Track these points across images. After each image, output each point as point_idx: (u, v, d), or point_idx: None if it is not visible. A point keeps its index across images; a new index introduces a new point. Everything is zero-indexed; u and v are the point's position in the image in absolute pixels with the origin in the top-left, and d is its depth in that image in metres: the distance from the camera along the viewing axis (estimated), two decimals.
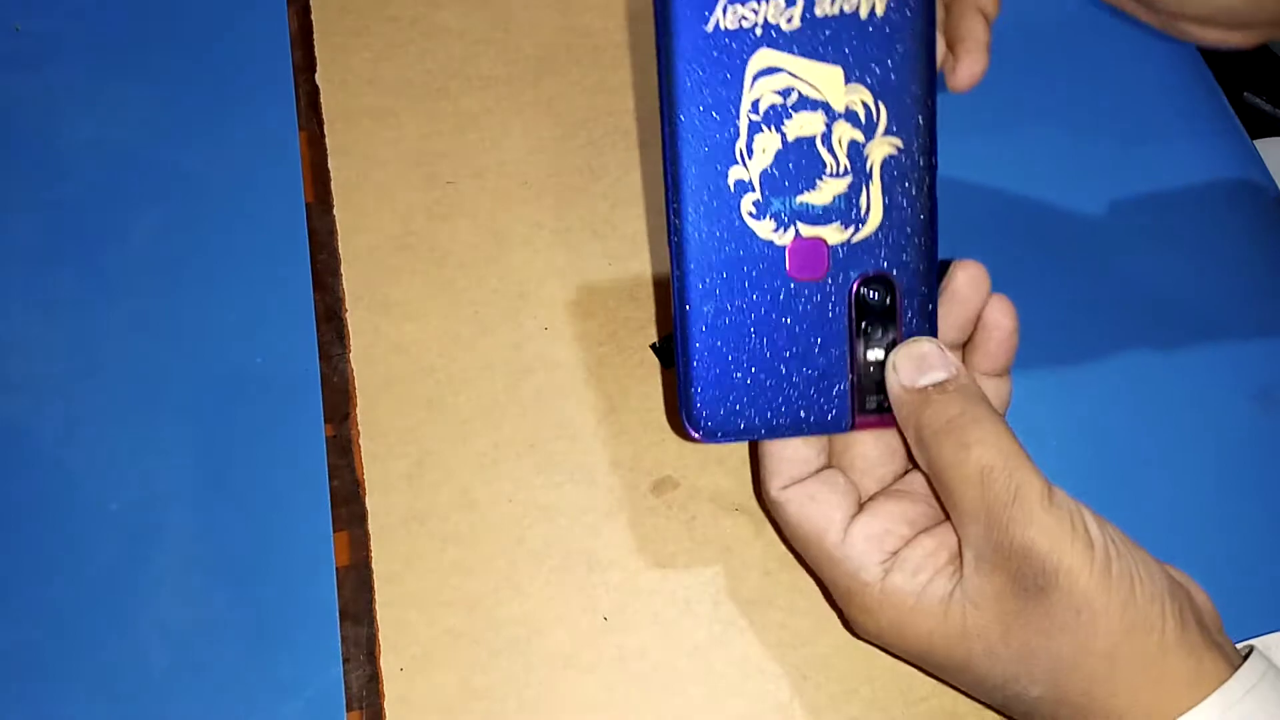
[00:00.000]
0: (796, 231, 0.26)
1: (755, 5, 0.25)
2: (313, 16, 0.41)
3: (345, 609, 0.32)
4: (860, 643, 0.31)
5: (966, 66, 0.30)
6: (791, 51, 0.25)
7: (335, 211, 0.38)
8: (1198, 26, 0.33)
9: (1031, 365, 0.36)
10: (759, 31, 0.25)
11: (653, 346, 0.36)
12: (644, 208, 0.38)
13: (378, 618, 0.32)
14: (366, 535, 0.33)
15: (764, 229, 0.26)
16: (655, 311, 0.36)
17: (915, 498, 0.28)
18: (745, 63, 0.25)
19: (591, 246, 0.37)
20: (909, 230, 0.26)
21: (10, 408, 0.35)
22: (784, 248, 0.26)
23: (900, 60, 0.25)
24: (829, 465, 0.29)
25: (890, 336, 0.27)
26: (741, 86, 0.25)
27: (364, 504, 0.33)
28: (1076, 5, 0.43)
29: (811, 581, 0.32)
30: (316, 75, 0.40)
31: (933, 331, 0.27)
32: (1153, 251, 0.38)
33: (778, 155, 0.26)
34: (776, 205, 0.26)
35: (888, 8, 0.25)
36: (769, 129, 0.26)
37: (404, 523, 0.33)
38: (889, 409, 0.27)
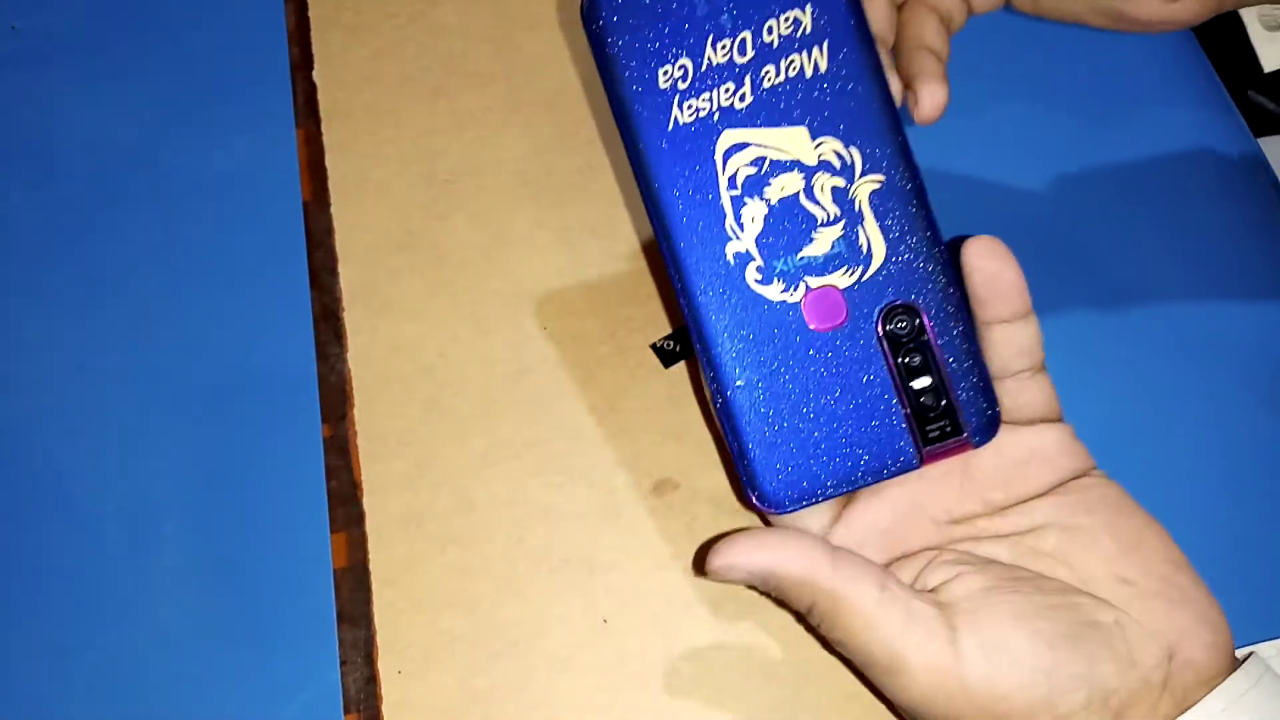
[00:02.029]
0: (806, 286, 0.27)
1: (708, 95, 0.26)
2: (310, 13, 0.41)
3: (343, 611, 0.32)
4: None
5: (927, 98, 0.30)
6: (752, 125, 0.26)
7: (332, 210, 0.37)
8: (1143, 7, 0.32)
9: None
10: (717, 117, 0.26)
11: (653, 346, 0.35)
12: (643, 207, 0.38)
13: (375, 620, 0.31)
14: (364, 536, 0.33)
15: (774, 292, 0.27)
16: (655, 311, 0.36)
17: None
18: (713, 147, 0.26)
19: (591, 246, 0.37)
20: (916, 252, 0.27)
21: (6, 407, 0.35)
22: (799, 304, 0.27)
23: (857, 103, 0.26)
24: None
25: (931, 360, 0.27)
26: (715, 169, 0.26)
27: (361, 505, 0.33)
28: None
29: None
30: (314, 72, 0.40)
31: (970, 336, 0.27)
32: (1157, 251, 0.38)
33: (767, 220, 0.27)
34: (780, 266, 0.27)
35: (830, 62, 0.26)
36: (752, 199, 0.27)
37: (402, 524, 0.33)
38: (953, 433, 0.27)
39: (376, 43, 0.41)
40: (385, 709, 0.30)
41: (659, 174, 0.27)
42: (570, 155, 0.39)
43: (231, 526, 0.33)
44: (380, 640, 0.31)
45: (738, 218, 0.27)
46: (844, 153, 0.26)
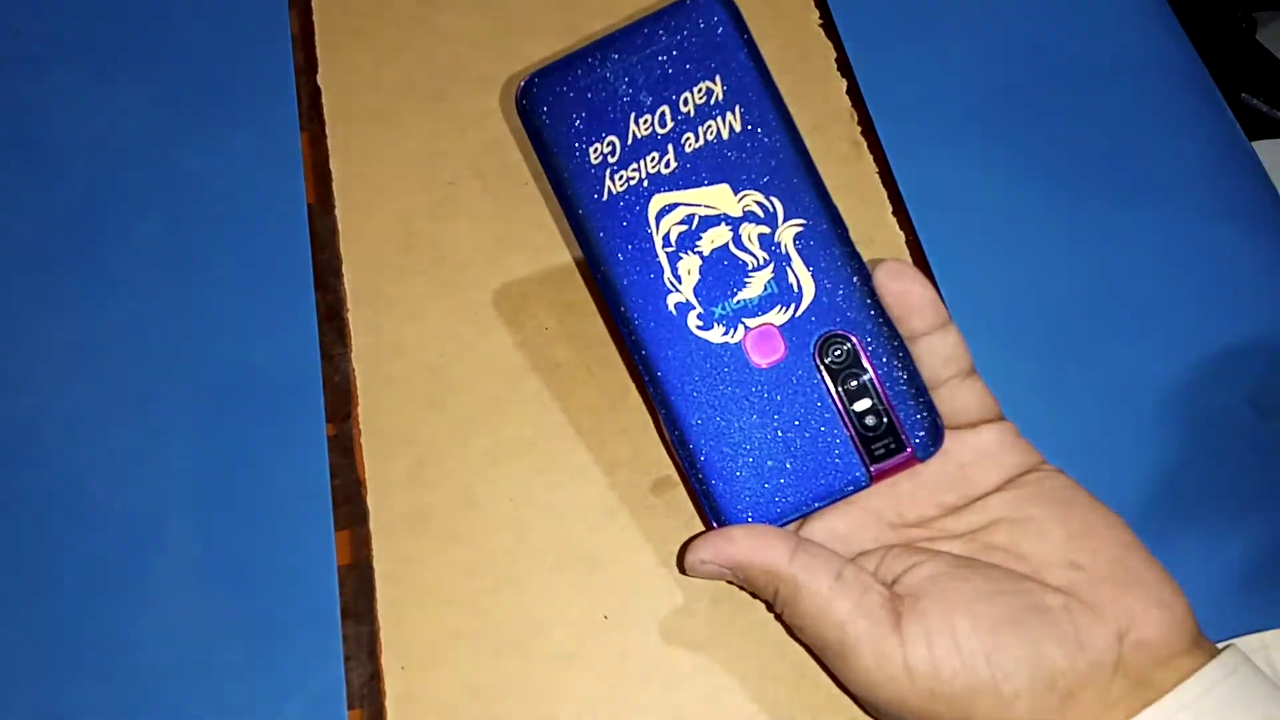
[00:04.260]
0: (745, 326, 0.29)
1: (635, 164, 0.29)
2: (314, 17, 0.42)
3: (347, 608, 0.32)
4: None
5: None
6: (679, 188, 0.29)
7: (337, 212, 0.38)
8: None
9: (1029, 368, 0.36)
10: (646, 183, 0.29)
11: None
12: None
13: (379, 616, 0.32)
14: (368, 534, 0.33)
15: (716, 335, 0.29)
16: None
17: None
18: (645, 211, 0.29)
19: None
20: (843, 285, 0.29)
21: (12, 408, 0.35)
22: (740, 344, 0.29)
23: (772, 157, 0.29)
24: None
25: (869, 383, 0.28)
26: (649, 230, 0.29)
27: (365, 503, 0.33)
28: (1069, 9, 0.43)
29: None
30: (318, 76, 0.40)
31: (904, 355, 0.28)
32: (1151, 254, 0.38)
33: (702, 271, 0.29)
34: (719, 312, 0.29)
35: (743, 123, 0.29)
36: (687, 253, 0.29)
37: (405, 522, 0.33)
38: (897, 449, 0.28)
39: (380, 47, 0.41)
40: (389, 704, 0.31)
41: (599, 240, 0.29)
42: None
43: (237, 524, 0.33)
44: (384, 636, 0.32)
45: (675, 271, 0.29)
46: (766, 203, 0.29)
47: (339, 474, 0.34)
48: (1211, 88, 0.43)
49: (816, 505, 0.28)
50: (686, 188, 0.29)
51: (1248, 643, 0.31)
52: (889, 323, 0.28)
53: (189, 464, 0.34)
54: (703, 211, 0.29)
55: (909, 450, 0.28)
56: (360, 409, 0.35)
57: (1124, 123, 0.41)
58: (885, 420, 0.28)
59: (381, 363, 0.35)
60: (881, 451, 0.28)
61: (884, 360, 0.28)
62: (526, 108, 0.29)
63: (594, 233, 0.29)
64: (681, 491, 0.34)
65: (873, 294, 0.28)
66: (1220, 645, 0.26)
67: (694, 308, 0.29)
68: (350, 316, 0.36)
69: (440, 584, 0.32)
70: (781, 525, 0.28)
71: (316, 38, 0.41)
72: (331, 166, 0.39)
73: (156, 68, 0.41)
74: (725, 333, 0.29)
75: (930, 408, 0.28)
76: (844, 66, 0.41)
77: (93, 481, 0.34)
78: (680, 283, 0.29)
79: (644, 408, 0.35)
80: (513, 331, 0.36)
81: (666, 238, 0.29)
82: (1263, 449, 0.35)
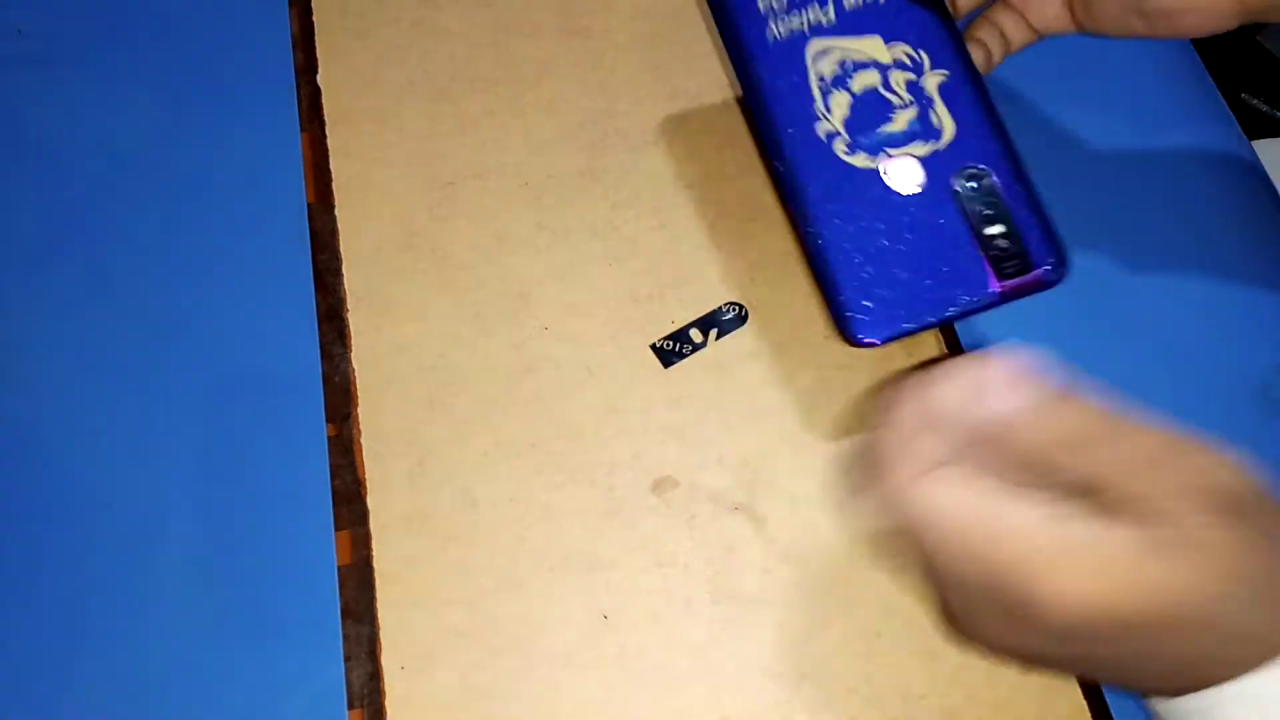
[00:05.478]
0: (887, 155, 0.31)
1: (798, 14, 0.33)
2: (314, 18, 0.42)
3: (347, 607, 0.32)
4: (859, 642, 0.31)
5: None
6: (836, 35, 0.32)
7: (337, 212, 0.38)
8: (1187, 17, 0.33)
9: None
10: (807, 29, 0.32)
11: (653, 346, 0.36)
12: (642, 209, 0.38)
13: (379, 616, 0.32)
14: (368, 534, 0.33)
15: (860, 161, 0.31)
16: (655, 311, 0.36)
17: None
18: (803, 51, 0.32)
19: (591, 246, 0.37)
20: (980, 127, 0.31)
21: (13, 407, 0.35)
22: (881, 170, 0.31)
23: (923, 17, 0.32)
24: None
25: (1003, 210, 0.31)
26: (806, 69, 0.32)
27: (365, 503, 0.33)
28: None
29: (811, 580, 0.32)
30: (318, 76, 0.40)
31: (1034, 191, 0.31)
32: (1151, 253, 0.38)
33: (851, 106, 0.32)
34: (864, 141, 0.31)
35: None
36: (838, 90, 0.32)
37: (405, 522, 0.33)
38: (1025, 270, 0.30)
39: (380, 47, 0.41)
40: (388, 704, 0.31)
41: (760, 75, 0.32)
42: (570, 158, 0.39)
43: (237, 524, 0.33)
44: (384, 636, 0.32)
45: (826, 104, 0.32)
46: (913, 54, 0.32)
47: (339, 474, 0.34)
48: (1211, 88, 0.43)
49: (946, 317, 0.30)
50: (843, 36, 0.32)
51: None
52: (1022, 164, 0.31)
53: (189, 464, 0.34)
54: (855, 56, 0.32)
55: (1038, 270, 0.30)
56: (360, 409, 0.35)
57: (1124, 122, 0.41)
58: (1016, 243, 0.30)
59: (381, 363, 0.35)
60: (1011, 270, 0.30)
61: (1017, 193, 0.30)
62: None
63: (755, 67, 0.32)
64: (682, 491, 0.34)
65: (1008, 137, 0.31)
66: None
67: (841, 136, 0.31)
68: (350, 316, 0.36)
69: (440, 584, 0.32)
70: (911, 333, 0.30)
71: (316, 38, 0.41)
72: (331, 166, 0.39)
73: (156, 68, 0.41)
74: (869, 159, 0.31)
75: (1057, 238, 0.30)
76: None
77: (93, 481, 0.34)
78: (830, 114, 0.31)
79: (643, 407, 0.35)
80: (512, 331, 0.36)
81: (821, 77, 0.32)
82: (1266, 442, 0.35)
